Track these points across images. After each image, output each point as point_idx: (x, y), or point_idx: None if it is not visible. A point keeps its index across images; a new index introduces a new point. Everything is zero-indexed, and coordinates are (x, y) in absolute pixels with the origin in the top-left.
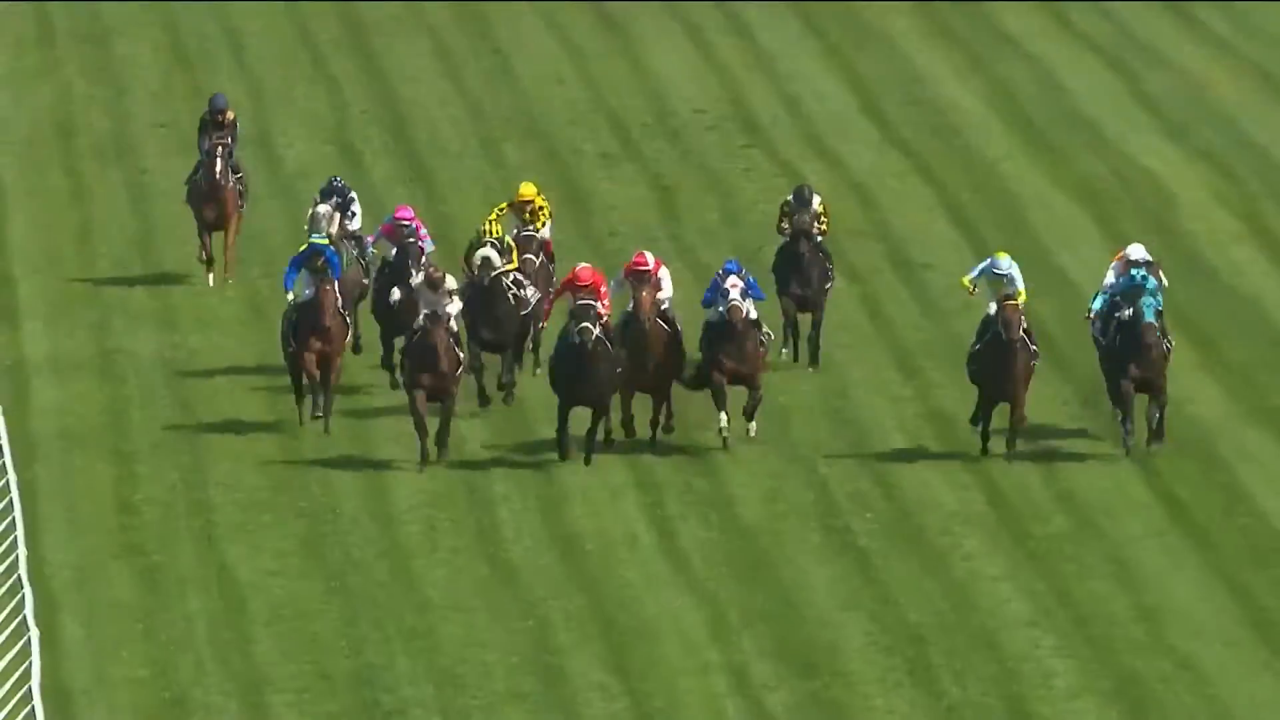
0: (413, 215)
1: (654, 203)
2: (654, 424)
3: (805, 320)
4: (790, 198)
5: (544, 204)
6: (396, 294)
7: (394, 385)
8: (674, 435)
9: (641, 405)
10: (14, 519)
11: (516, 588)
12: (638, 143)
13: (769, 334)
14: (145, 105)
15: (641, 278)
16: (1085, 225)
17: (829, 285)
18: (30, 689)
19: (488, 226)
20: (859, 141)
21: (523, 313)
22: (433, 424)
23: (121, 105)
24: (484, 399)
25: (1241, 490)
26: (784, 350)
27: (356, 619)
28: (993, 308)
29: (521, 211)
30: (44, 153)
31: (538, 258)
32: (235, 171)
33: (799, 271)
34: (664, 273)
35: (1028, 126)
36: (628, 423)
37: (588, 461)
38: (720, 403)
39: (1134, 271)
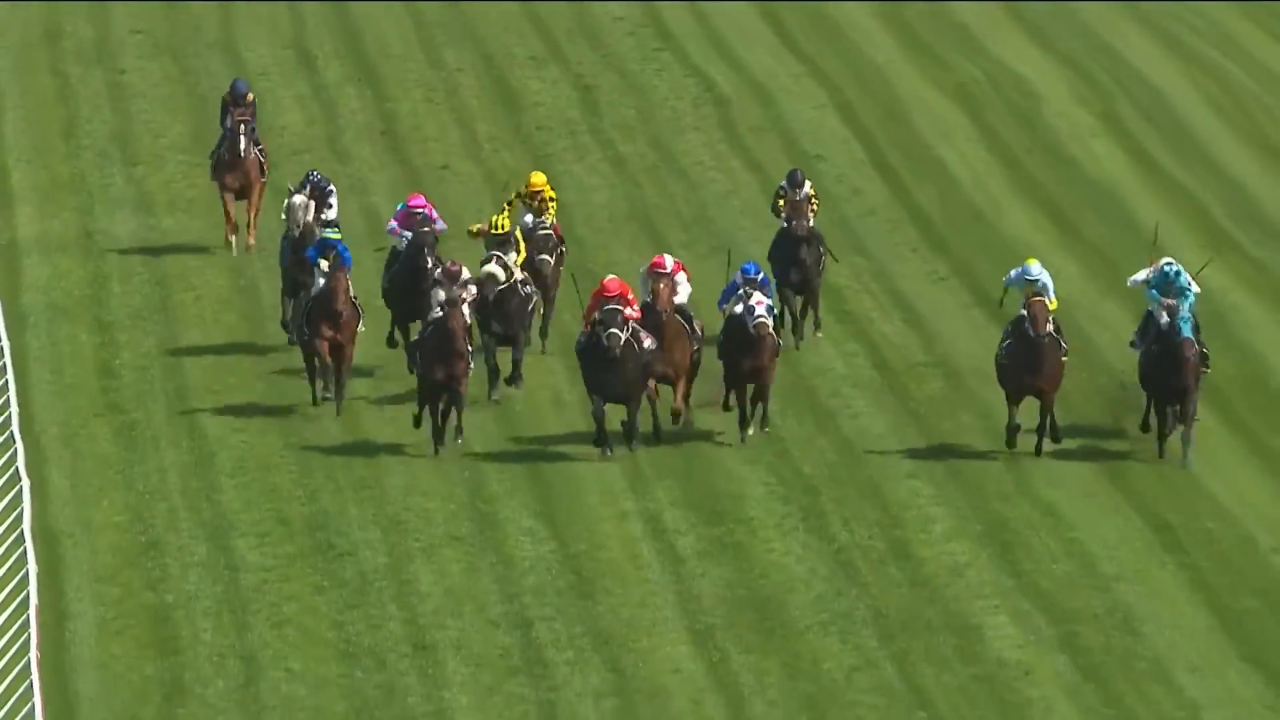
0: (424, 202)
1: (576, 101)
2: (675, 413)
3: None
4: (784, 182)
5: (551, 194)
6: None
7: (410, 370)
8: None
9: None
10: (7, 381)
11: (454, 444)
12: (563, 47)
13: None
14: (123, 14)
15: (660, 275)
16: (961, 122)
17: (823, 266)
18: (22, 531)
19: (496, 220)
20: (760, 47)
21: (529, 306)
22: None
23: (102, 13)
24: (495, 375)
25: (1098, 355)
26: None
27: (311, 470)
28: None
29: (531, 201)
30: (34, 57)
31: (553, 256)
32: (257, 145)
33: (796, 259)
34: (681, 276)
35: (911, 35)
36: (652, 400)
37: (630, 449)
38: (740, 407)
39: (1166, 268)
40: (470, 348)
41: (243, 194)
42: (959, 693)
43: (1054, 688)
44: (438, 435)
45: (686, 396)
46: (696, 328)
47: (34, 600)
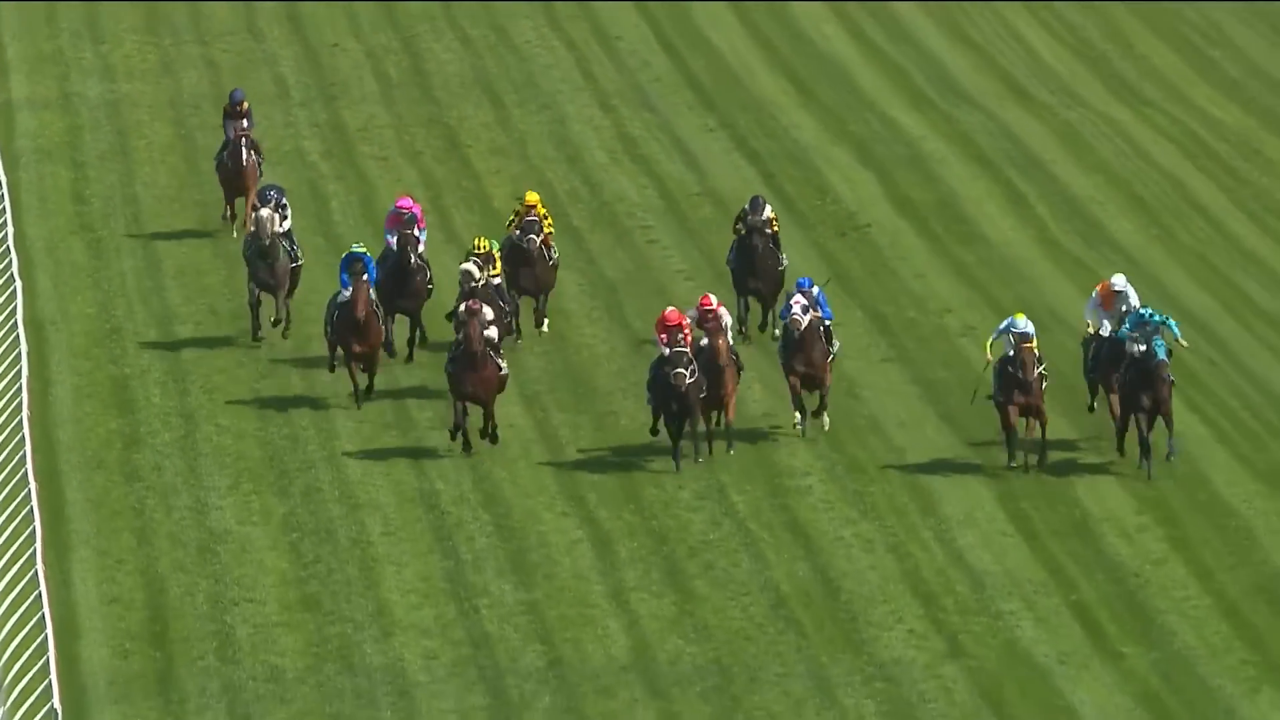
0: (412, 203)
1: None
2: (726, 433)
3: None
4: (746, 207)
5: (544, 212)
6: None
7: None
8: None
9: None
10: (5, 207)
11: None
12: None
13: (836, 344)
14: None
15: (708, 321)
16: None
17: (781, 269)
18: (16, 320)
19: (478, 242)
20: None
21: (507, 308)
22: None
23: None
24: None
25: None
26: (742, 331)
27: (236, 272)
28: (1010, 351)
29: (527, 215)
30: None
31: (534, 267)
32: (255, 150)
33: (752, 268)
34: (723, 310)
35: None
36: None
37: (697, 459)
38: (796, 403)
39: (1143, 311)
40: (503, 363)
41: (240, 192)
42: None
43: None
44: (465, 442)
45: (730, 413)
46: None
47: (25, 372)
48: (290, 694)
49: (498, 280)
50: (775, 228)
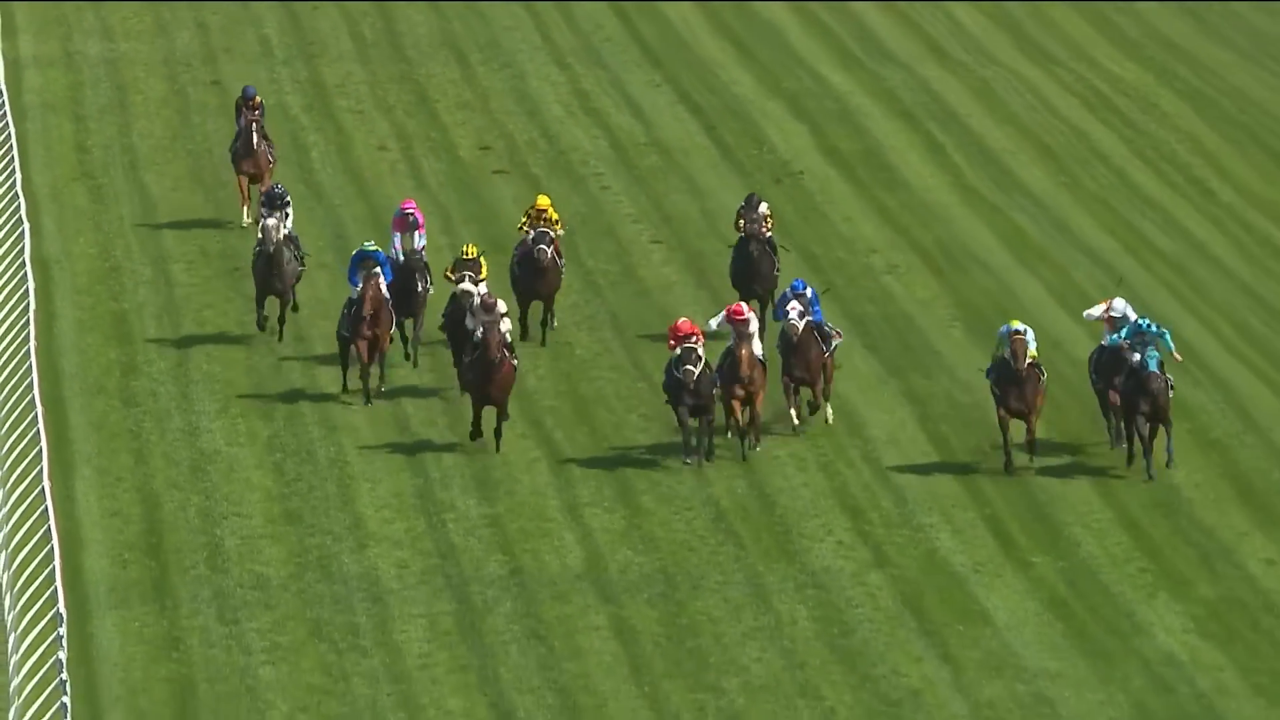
0: (415, 207)
1: None
2: (754, 436)
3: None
4: (742, 204)
5: (555, 215)
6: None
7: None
8: None
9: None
10: (13, 157)
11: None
12: None
13: (837, 337)
14: None
15: (739, 328)
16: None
17: (776, 272)
18: (24, 261)
19: (467, 249)
20: None
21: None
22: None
23: None
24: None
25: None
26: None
27: (225, 213)
28: (1005, 352)
29: (538, 219)
30: None
31: (551, 247)
32: (267, 140)
33: (751, 268)
34: (752, 317)
35: None
36: (733, 426)
37: (709, 458)
38: (792, 402)
39: (1140, 321)
40: (515, 359)
41: (255, 179)
42: None
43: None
44: (478, 433)
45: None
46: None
47: (33, 306)
48: (274, 600)
49: (483, 287)
50: (770, 225)
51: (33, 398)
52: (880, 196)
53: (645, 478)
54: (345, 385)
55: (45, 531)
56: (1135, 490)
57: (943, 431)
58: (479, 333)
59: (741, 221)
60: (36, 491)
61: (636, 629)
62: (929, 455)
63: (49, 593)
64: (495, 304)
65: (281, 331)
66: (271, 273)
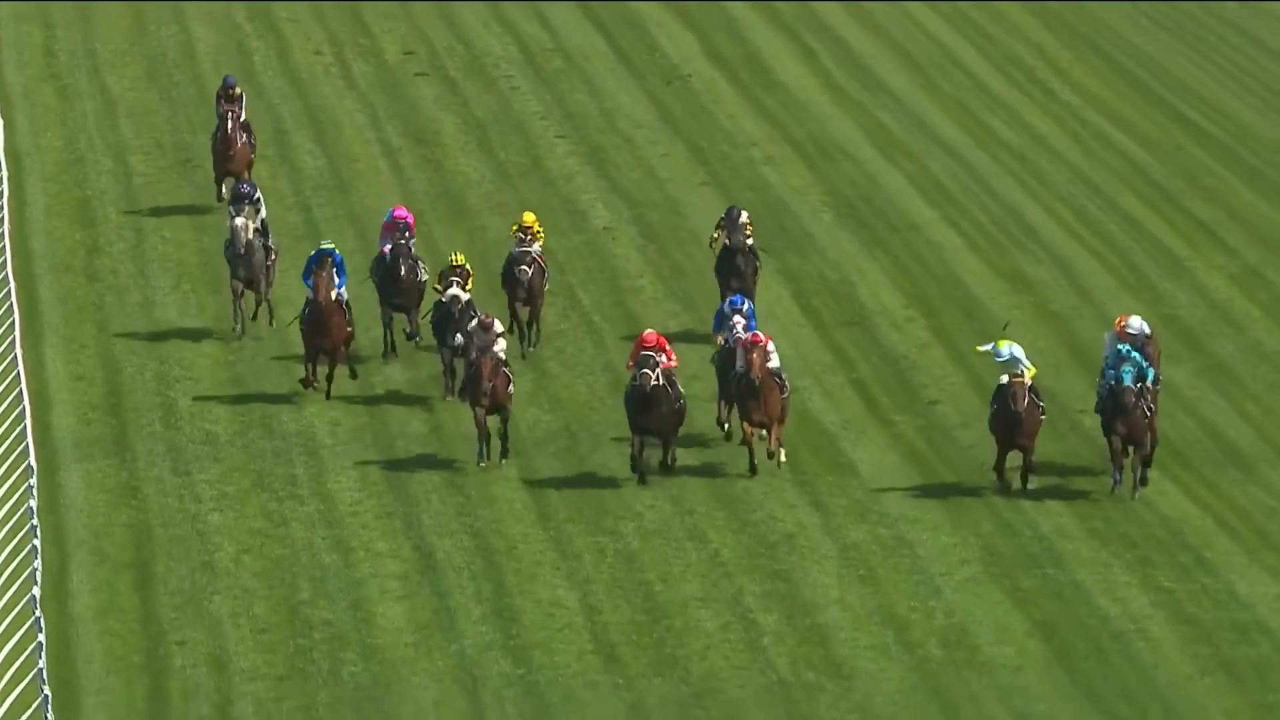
0: (406, 213)
1: None
2: (771, 454)
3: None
4: (723, 216)
5: (539, 230)
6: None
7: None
8: None
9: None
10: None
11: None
12: None
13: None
14: None
15: (752, 347)
16: None
17: (757, 275)
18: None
19: (454, 257)
20: None
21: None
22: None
23: None
24: (449, 377)
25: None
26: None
27: (178, 111)
28: (1004, 378)
29: (524, 235)
30: None
31: (531, 268)
32: (245, 130)
33: (737, 273)
34: (771, 345)
35: None
36: (748, 442)
37: (666, 471)
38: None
39: (1120, 347)
40: (510, 374)
41: (233, 171)
42: None
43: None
44: (484, 454)
45: (780, 439)
46: (786, 381)
47: (6, 192)
48: (222, 454)
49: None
50: (750, 232)
51: (6, 274)
52: (759, 96)
53: (551, 345)
54: (309, 376)
55: (18, 394)
56: (986, 359)
57: (814, 305)
58: (474, 355)
59: (719, 233)
60: (10, 358)
61: (543, 479)
62: (802, 325)
63: (20, 448)
64: (493, 324)
65: (271, 320)
66: (244, 265)
